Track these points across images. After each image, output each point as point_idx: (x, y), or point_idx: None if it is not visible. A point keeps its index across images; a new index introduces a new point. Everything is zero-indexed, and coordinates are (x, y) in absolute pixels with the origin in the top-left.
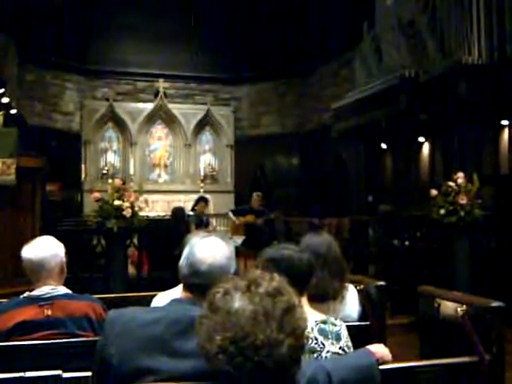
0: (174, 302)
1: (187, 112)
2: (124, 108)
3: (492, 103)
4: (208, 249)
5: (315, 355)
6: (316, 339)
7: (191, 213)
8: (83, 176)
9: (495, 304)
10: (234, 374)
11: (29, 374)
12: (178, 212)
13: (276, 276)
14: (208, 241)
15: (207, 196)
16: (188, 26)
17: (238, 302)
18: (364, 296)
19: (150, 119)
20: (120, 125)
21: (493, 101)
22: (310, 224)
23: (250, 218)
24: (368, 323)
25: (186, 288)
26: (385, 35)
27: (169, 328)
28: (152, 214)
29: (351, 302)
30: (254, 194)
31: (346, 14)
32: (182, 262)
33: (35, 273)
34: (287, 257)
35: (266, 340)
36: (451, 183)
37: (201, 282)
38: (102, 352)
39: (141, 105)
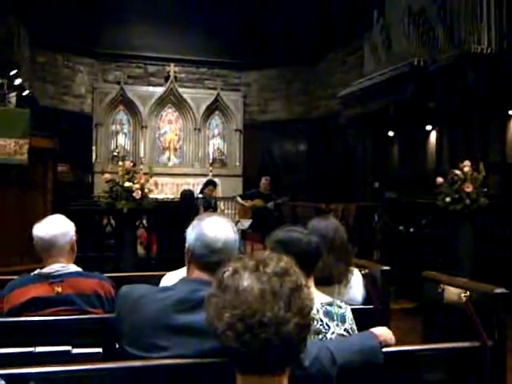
0: (183, 281)
1: (197, 96)
2: (135, 91)
3: (500, 92)
4: (217, 227)
5: (320, 336)
6: (321, 321)
7: (200, 196)
8: (94, 158)
9: (498, 290)
10: (241, 351)
11: (39, 349)
12: (186, 195)
13: (284, 257)
14: (214, 220)
15: (216, 179)
16: (200, 11)
17: (247, 280)
18: (369, 280)
19: (161, 103)
20: (131, 108)
21: (501, 90)
22: (316, 209)
23: (258, 202)
24: (372, 307)
25: (202, 267)
26: (395, 23)
27: (178, 306)
28: (161, 197)
29: (356, 286)
30: (263, 179)
31: (357, 1)
32: (194, 243)
33: (46, 251)
34: (296, 239)
35: (274, 318)
36: (457, 171)
37: (217, 260)
38: (114, 327)
39: (151, 88)
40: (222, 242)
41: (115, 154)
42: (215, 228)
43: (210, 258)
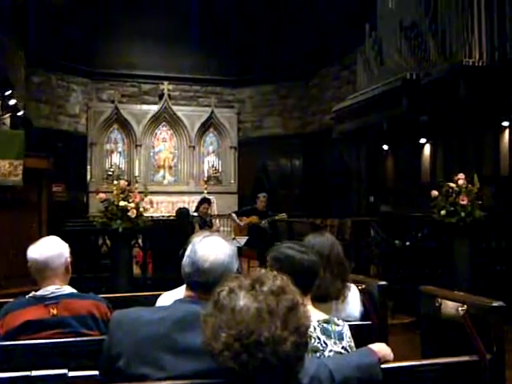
0: (177, 302)
1: (191, 114)
2: (129, 110)
3: (493, 104)
4: (209, 247)
5: (318, 354)
6: (319, 339)
7: (195, 214)
8: (89, 177)
9: (496, 304)
10: (238, 371)
11: (35, 372)
12: (182, 213)
13: (280, 275)
14: (209, 240)
15: (210, 197)
16: (192, 29)
17: (243, 300)
18: (366, 296)
19: (155, 121)
20: (125, 126)
21: (493, 102)
22: (311, 224)
23: (253, 218)
24: (370, 323)
25: (189, 287)
26: (386, 38)
27: (174, 326)
28: (156, 215)
29: (353, 302)
30: (260, 196)
31: (348, 17)
32: (184, 261)
33: (40, 272)
34: (295, 258)
35: (270, 337)
36: (452, 184)
37: (203, 280)
38: (108, 353)
39: (145, 107)
40: (210, 262)
41: (110, 173)
42: (206, 248)
43: (195, 278)
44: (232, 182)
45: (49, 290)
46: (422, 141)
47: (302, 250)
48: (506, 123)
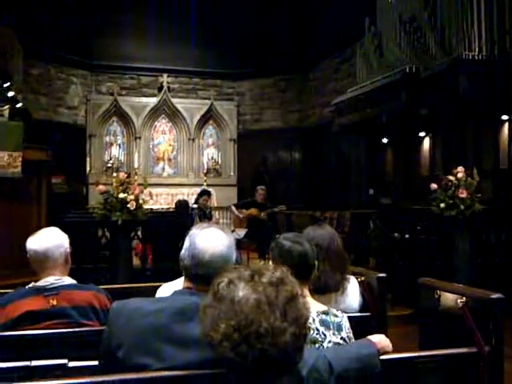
0: (177, 293)
1: (191, 106)
2: (128, 102)
3: (492, 98)
4: (209, 239)
5: (317, 345)
6: (317, 330)
7: (195, 206)
8: (88, 169)
9: (495, 296)
10: (237, 362)
11: (35, 362)
12: (181, 205)
13: (279, 266)
14: (208, 231)
15: (210, 189)
16: (192, 22)
17: (242, 291)
18: (365, 287)
19: (154, 113)
20: (124, 119)
21: (493, 95)
22: (311, 217)
23: (253, 211)
24: (369, 314)
25: (188, 278)
26: (386, 31)
27: (173, 317)
28: (156, 207)
29: (352, 294)
30: (259, 188)
31: (348, 10)
32: (184, 253)
33: (40, 263)
34: (286, 247)
35: (270, 328)
36: (451, 177)
37: (204, 273)
38: (108, 343)
39: (145, 99)
40: (209, 254)
41: (109, 165)
42: (205, 240)
43: (195, 270)
44: (231, 174)
45: (48, 280)
46: (422, 134)
47: (295, 240)
48: (505, 117)
